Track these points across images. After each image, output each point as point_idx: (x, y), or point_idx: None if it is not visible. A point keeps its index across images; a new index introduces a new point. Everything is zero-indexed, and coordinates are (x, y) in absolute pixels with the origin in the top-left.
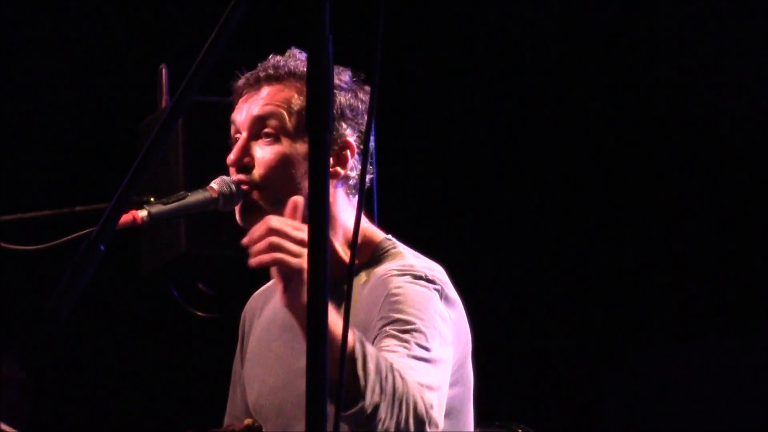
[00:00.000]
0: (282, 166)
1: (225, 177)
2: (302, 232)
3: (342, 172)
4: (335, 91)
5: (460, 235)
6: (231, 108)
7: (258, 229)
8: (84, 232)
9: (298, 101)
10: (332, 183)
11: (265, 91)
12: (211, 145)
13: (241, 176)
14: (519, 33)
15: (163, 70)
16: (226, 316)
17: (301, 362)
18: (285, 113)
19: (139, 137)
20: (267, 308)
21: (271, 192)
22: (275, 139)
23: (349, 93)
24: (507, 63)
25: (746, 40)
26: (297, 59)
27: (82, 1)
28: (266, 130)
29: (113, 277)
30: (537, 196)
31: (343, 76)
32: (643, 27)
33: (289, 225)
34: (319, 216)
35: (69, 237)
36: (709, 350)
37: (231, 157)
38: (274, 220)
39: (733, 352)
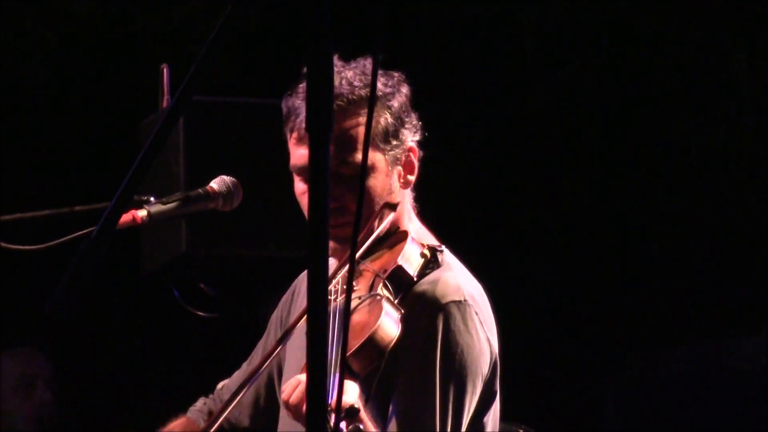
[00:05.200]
0: None
1: (225, 177)
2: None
3: (412, 179)
4: (391, 102)
5: (458, 236)
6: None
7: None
8: (84, 232)
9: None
10: (405, 192)
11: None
12: (211, 145)
13: None
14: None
15: (164, 70)
16: (226, 316)
17: None
18: None
19: (139, 137)
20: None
21: None
22: None
23: (396, 96)
24: (513, 63)
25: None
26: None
27: (83, 1)
28: None
29: (113, 277)
30: (535, 199)
31: (386, 80)
32: (647, 28)
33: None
34: (319, 216)
35: (69, 237)
36: (707, 352)
37: None
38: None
39: (732, 354)
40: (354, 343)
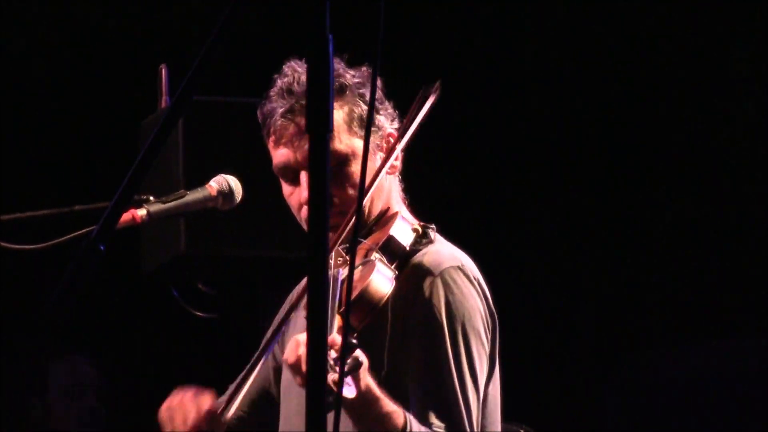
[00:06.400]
0: None
1: (224, 175)
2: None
3: (397, 164)
4: (361, 90)
5: (458, 236)
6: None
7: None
8: (84, 231)
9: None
10: (391, 178)
11: None
12: (211, 145)
13: None
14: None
15: (163, 70)
16: (226, 316)
17: None
18: None
19: (139, 137)
20: None
21: None
22: None
23: (367, 84)
24: (513, 62)
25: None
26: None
27: (83, 1)
28: None
29: (113, 277)
30: (534, 199)
31: (354, 73)
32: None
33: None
34: (319, 216)
35: (69, 237)
36: (707, 352)
37: None
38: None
39: (731, 353)
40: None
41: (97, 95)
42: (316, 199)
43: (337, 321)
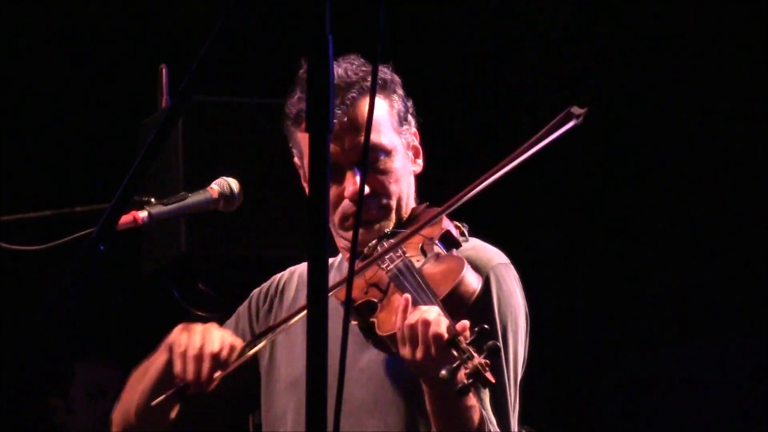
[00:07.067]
0: None
1: (225, 178)
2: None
3: (420, 162)
4: (393, 85)
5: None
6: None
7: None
8: (84, 232)
9: None
10: (414, 178)
11: None
12: (211, 145)
13: None
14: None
15: (163, 70)
16: (226, 316)
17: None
18: None
19: (139, 137)
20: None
21: None
22: None
23: (398, 81)
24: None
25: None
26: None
27: (83, 1)
28: None
29: (113, 277)
30: (533, 200)
31: (383, 69)
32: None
33: None
34: (319, 216)
35: (69, 237)
36: (707, 352)
37: None
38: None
39: (732, 354)
40: (441, 291)
41: (97, 95)
42: (316, 199)
43: (438, 308)
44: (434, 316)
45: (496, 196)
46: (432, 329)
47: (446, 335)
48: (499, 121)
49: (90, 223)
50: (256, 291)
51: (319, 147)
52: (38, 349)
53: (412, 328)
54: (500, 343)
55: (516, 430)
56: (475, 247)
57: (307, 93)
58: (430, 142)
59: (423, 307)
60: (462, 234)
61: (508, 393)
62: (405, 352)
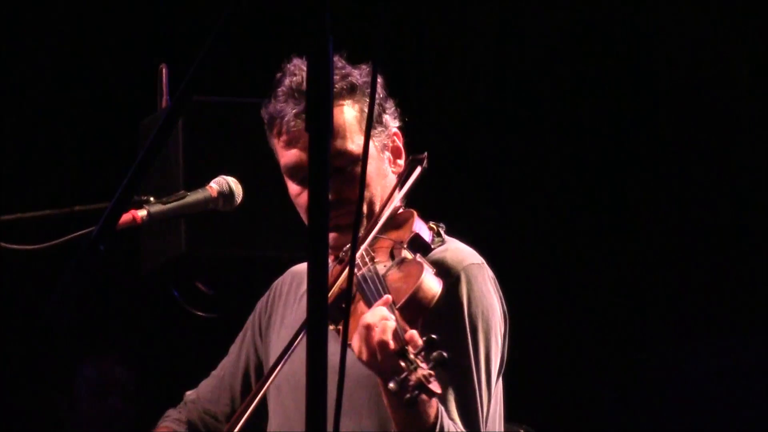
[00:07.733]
0: None
1: (225, 177)
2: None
3: (402, 163)
4: (365, 88)
5: (457, 235)
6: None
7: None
8: (84, 232)
9: None
10: (392, 178)
11: None
12: (211, 145)
13: None
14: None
15: (163, 70)
16: (226, 316)
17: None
18: None
19: (139, 137)
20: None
21: None
22: None
23: (363, 88)
24: (513, 59)
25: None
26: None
27: (83, 1)
28: None
29: (113, 277)
30: (534, 198)
31: (359, 72)
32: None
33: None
34: (319, 216)
35: (69, 237)
36: (708, 352)
37: None
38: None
39: (732, 353)
40: (400, 297)
41: (97, 95)
42: (316, 199)
43: (396, 317)
44: (376, 319)
45: (496, 196)
46: (376, 335)
47: (392, 344)
48: (500, 122)
49: (89, 223)
50: (259, 303)
51: (319, 147)
52: (39, 348)
53: (359, 331)
54: (457, 351)
55: (499, 429)
56: (449, 248)
57: (307, 93)
58: (438, 146)
59: (374, 310)
60: (438, 234)
61: (478, 394)
62: (357, 353)
